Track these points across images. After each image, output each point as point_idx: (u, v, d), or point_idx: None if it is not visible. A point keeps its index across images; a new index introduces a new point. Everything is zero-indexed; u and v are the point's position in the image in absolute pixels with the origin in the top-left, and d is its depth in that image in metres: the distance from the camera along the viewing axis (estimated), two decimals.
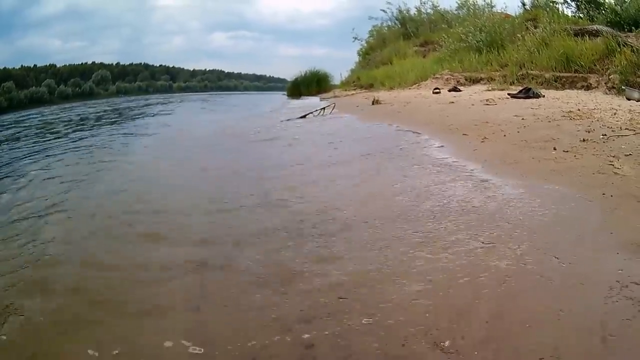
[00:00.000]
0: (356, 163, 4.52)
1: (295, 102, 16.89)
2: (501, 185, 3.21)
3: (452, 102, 8.11)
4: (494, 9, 14.91)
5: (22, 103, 37.63)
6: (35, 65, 44.38)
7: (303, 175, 4.18)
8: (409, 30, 19.50)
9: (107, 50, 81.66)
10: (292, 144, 6.19)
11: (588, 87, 7.90)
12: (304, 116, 9.58)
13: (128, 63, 53.35)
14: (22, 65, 43.18)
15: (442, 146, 4.76)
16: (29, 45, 57.57)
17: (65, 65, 46.70)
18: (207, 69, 61.91)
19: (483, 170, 3.64)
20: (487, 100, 7.67)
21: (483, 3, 15.72)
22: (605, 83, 7.57)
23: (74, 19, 69.14)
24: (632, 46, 7.47)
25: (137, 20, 74.62)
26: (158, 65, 56.19)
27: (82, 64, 48.42)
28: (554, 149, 3.89)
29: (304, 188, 3.69)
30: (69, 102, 37.52)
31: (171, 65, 57.68)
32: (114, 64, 51.76)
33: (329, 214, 2.97)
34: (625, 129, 4.34)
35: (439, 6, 19.37)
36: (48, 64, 45.73)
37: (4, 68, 40.84)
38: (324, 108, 10.04)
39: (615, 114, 5.25)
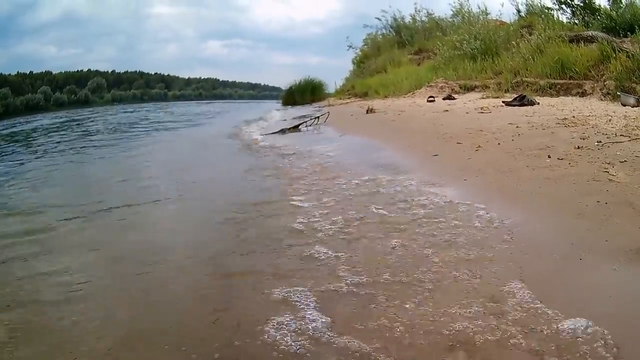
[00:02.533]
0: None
1: (291, 111, 16.70)
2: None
3: (447, 111, 8.04)
4: (489, 17, 14.92)
5: (18, 109, 37.55)
6: (31, 72, 44.44)
7: None
8: (404, 38, 19.53)
9: (102, 58, 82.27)
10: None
11: (583, 94, 7.86)
12: (297, 126, 9.37)
13: (123, 71, 53.56)
14: (18, 72, 43.23)
15: (436, 155, 4.67)
16: (25, 52, 57.83)
17: (60, 72, 46.84)
18: (202, 77, 62.17)
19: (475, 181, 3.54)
20: (481, 108, 7.61)
21: (478, 10, 15.76)
22: (600, 89, 7.52)
23: (69, 26, 69.63)
24: (627, 52, 7.42)
25: (132, 27, 75.15)
26: (153, 73, 56.46)
27: (77, 71, 48.58)
28: (549, 156, 3.80)
29: None
30: (65, 110, 37.42)
31: (166, 74, 58.03)
32: (110, 71, 51.95)
33: None
34: (621, 135, 4.27)
35: (433, 14, 19.46)
36: (44, 71, 45.83)
37: (0, 74, 40.80)
38: (318, 117, 9.87)
39: (610, 120, 5.19)
